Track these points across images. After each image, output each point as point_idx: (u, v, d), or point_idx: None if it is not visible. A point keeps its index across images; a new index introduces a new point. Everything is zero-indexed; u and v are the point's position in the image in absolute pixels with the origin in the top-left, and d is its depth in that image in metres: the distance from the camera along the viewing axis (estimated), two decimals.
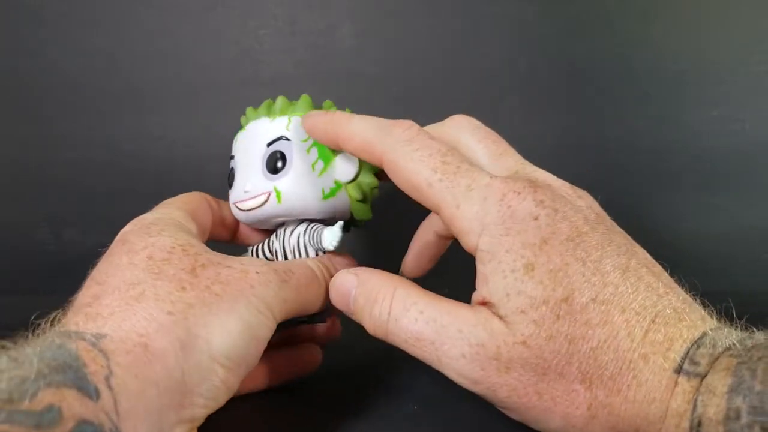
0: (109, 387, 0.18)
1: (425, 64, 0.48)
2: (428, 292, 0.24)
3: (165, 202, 0.28)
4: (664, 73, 0.49)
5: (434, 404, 0.28)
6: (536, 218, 0.22)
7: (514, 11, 0.48)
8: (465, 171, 0.24)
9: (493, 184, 0.23)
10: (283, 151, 0.27)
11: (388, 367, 0.32)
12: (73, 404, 0.17)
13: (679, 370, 0.20)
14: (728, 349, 0.20)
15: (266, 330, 0.23)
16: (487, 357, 0.22)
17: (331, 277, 0.26)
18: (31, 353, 0.18)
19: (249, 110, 0.30)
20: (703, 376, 0.20)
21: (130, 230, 0.25)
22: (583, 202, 0.24)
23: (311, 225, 0.28)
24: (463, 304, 0.24)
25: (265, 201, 0.27)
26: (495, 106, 0.48)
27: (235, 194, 0.28)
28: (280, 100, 0.29)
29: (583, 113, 0.49)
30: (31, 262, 0.45)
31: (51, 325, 0.21)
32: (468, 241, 0.23)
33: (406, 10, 0.48)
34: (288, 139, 0.27)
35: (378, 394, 0.29)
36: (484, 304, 0.23)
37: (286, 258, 0.29)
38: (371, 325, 0.25)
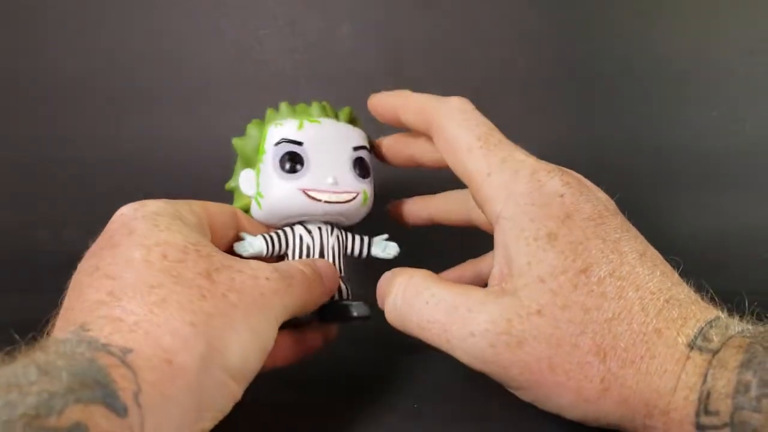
0: (138, 404, 0.18)
1: (425, 64, 0.48)
2: (445, 280, 0.25)
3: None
4: (664, 73, 0.49)
5: (435, 402, 0.28)
6: (562, 196, 0.23)
7: (514, 11, 0.48)
8: (505, 146, 0.25)
9: (527, 160, 0.24)
10: (366, 159, 0.31)
11: (388, 365, 0.32)
12: (100, 422, 0.17)
13: (692, 346, 0.20)
14: (740, 332, 0.20)
15: (272, 340, 0.23)
16: (497, 333, 0.22)
17: (320, 281, 0.27)
18: (62, 366, 0.17)
19: (315, 105, 0.31)
20: (715, 352, 0.20)
21: (133, 217, 0.23)
22: (603, 196, 0.25)
23: (342, 230, 0.31)
24: (476, 286, 0.24)
25: (353, 199, 0.29)
26: (495, 106, 0.48)
27: (310, 182, 0.29)
28: (351, 110, 0.32)
29: (583, 113, 0.49)
30: (31, 262, 0.45)
31: (64, 323, 0.21)
32: (491, 209, 0.24)
33: (406, 11, 0.48)
34: (368, 150, 0.31)
35: (378, 392, 0.29)
36: (501, 276, 0.23)
37: (300, 254, 0.29)
38: (388, 312, 0.25)
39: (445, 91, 0.50)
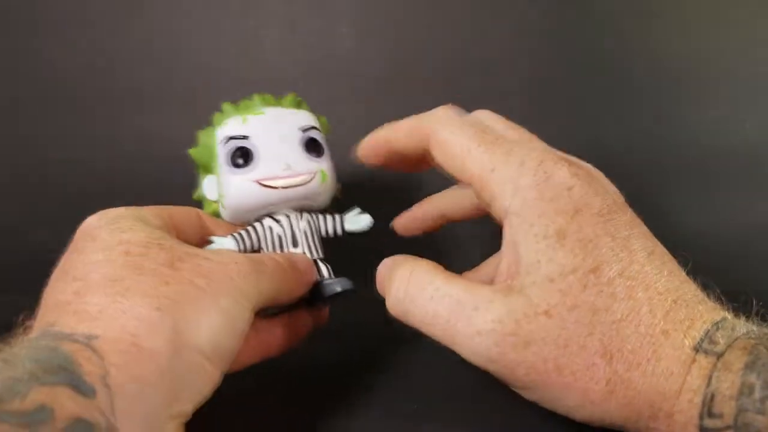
0: (106, 386, 0.18)
1: (425, 64, 0.48)
2: (447, 271, 0.24)
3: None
4: (664, 73, 0.49)
5: (434, 403, 0.28)
6: (570, 188, 0.23)
7: (514, 11, 0.48)
8: (503, 141, 0.25)
9: (532, 152, 0.24)
10: (317, 138, 0.30)
11: (388, 366, 0.32)
12: (66, 403, 0.17)
13: (698, 348, 0.20)
14: (746, 333, 0.20)
15: (246, 322, 0.23)
16: (504, 333, 0.22)
17: (295, 270, 0.27)
18: (23, 355, 0.18)
19: (256, 97, 0.31)
20: (720, 355, 0.20)
21: (97, 225, 0.24)
22: (612, 188, 0.25)
23: (313, 213, 0.31)
24: (481, 283, 0.24)
25: (311, 180, 0.29)
26: (495, 106, 0.48)
27: (264, 171, 0.29)
28: (294, 96, 0.32)
29: (583, 113, 0.49)
30: (31, 262, 0.45)
31: (33, 324, 0.21)
32: (498, 205, 0.24)
33: (407, 10, 0.48)
34: (318, 129, 0.31)
35: (378, 392, 0.29)
36: (509, 272, 0.23)
37: (273, 244, 0.30)
38: (390, 305, 0.25)
39: (446, 91, 0.50)
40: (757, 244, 0.47)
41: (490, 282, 0.25)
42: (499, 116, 0.28)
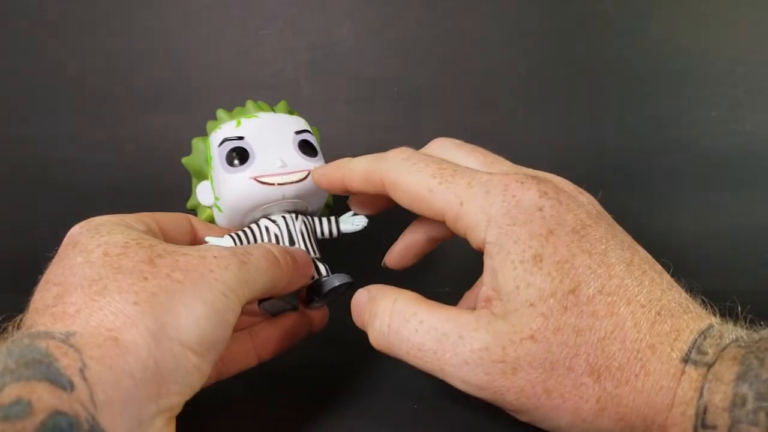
0: (84, 379, 0.18)
1: (425, 64, 0.48)
2: (429, 301, 0.24)
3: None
4: (664, 73, 0.49)
5: (434, 403, 0.28)
6: (541, 209, 0.23)
7: (514, 11, 0.48)
8: (462, 172, 0.24)
9: (493, 178, 0.24)
10: (311, 140, 0.31)
11: (387, 366, 0.32)
12: (44, 396, 0.17)
13: (686, 360, 0.20)
14: (735, 340, 0.20)
15: (232, 313, 0.23)
16: (491, 360, 0.22)
17: (292, 260, 0.27)
18: (0, 352, 0.18)
19: (249, 103, 0.32)
20: (710, 365, 0.20)
21: (78, 232, 0.24)
22: (585, 198, 0.25)
23: (307, 215, 0.32)
24: (464, 310, 0.23)
25: (305, 177, 0.30)
26: (495, 106, 0.48)
27: (260, 168, 0.29)
28: (285, 103, 0.33)
29: (583, 113, 0.49)
30: (31, 262, 0.45)
31: (17, 328, 0.21)
32: (475, 237, 0.24)
33: (407, 11, 0.48)
34: (311, 133, 0.32)
35: (378, 393, 0.29)
36: (490, 299, 0.23)
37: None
38: (374, 339, 0.25)
39: (446, 91, 0.50)
40: (756, 244, 0.47)
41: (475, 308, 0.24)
42: (458, 142, 0.28)
